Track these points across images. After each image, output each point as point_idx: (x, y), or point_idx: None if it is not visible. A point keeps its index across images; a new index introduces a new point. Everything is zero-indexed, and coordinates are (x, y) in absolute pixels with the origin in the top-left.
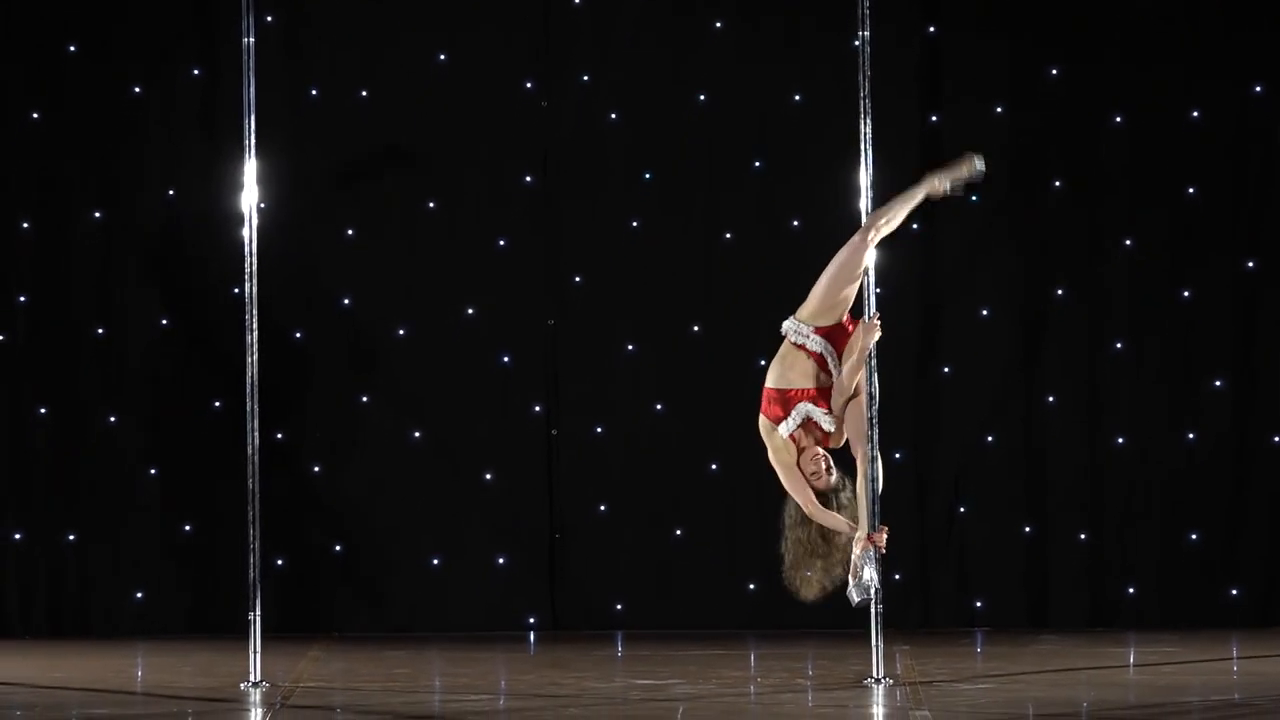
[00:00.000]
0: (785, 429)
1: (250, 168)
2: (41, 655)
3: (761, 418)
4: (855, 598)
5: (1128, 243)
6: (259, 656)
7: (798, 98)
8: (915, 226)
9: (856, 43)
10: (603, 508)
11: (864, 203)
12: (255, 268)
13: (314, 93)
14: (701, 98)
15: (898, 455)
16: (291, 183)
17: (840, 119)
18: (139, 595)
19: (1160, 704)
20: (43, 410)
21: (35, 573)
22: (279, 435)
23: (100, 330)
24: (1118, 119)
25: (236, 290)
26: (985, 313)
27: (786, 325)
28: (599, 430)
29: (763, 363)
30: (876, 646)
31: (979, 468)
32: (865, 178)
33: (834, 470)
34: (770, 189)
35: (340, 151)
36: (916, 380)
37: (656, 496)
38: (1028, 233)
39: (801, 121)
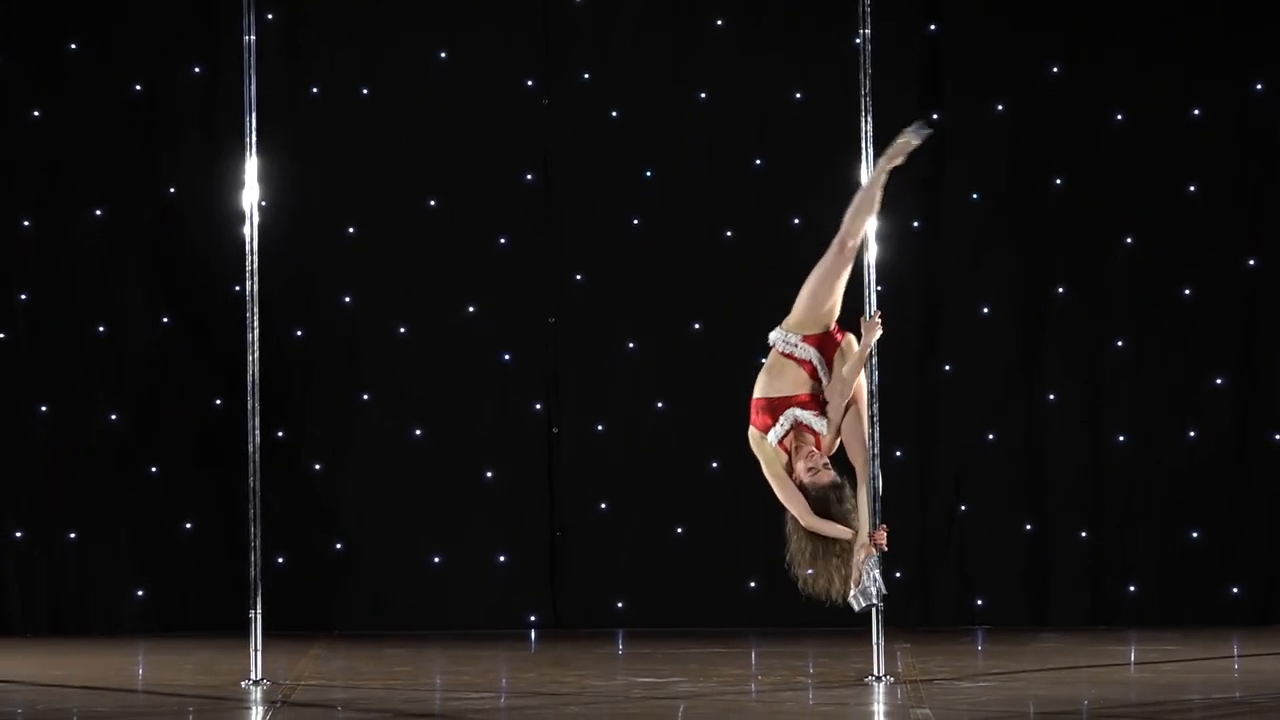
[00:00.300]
0: (774, 435)
1: (251, 166)
2: (42, 653)
3: (751, 429)
4: (860, 603)
5: (1128, 241)
6: (260, 654)
7: (798, 96)
8: (916, 225)
9: (857, 41)
10: (603, 506)
11: None
12: (256, 266)
13: (314, 91)
14: (702, 96)
15: (899, 453)
16: (292, 181)
17: (841, 117)
18: (140, 593)
19: (1161, 702)
20: (44, 408)
21: (36, 571)
22: (279, 434)
23: (101, 328)
24: (1119, 117)
25: (237, 288)
26: (986, 311)
27: (774, 336)
28: (599, 428)
29: (763, 361)
30: (877, 645)
31: (980, 466)
32: (866, 176)
33: (831, 468)
34: (771, 187)
35: (341, 150)
36: (917, 378)
37: (657, 494)
38: (1028, 231)
39: (802, 119)
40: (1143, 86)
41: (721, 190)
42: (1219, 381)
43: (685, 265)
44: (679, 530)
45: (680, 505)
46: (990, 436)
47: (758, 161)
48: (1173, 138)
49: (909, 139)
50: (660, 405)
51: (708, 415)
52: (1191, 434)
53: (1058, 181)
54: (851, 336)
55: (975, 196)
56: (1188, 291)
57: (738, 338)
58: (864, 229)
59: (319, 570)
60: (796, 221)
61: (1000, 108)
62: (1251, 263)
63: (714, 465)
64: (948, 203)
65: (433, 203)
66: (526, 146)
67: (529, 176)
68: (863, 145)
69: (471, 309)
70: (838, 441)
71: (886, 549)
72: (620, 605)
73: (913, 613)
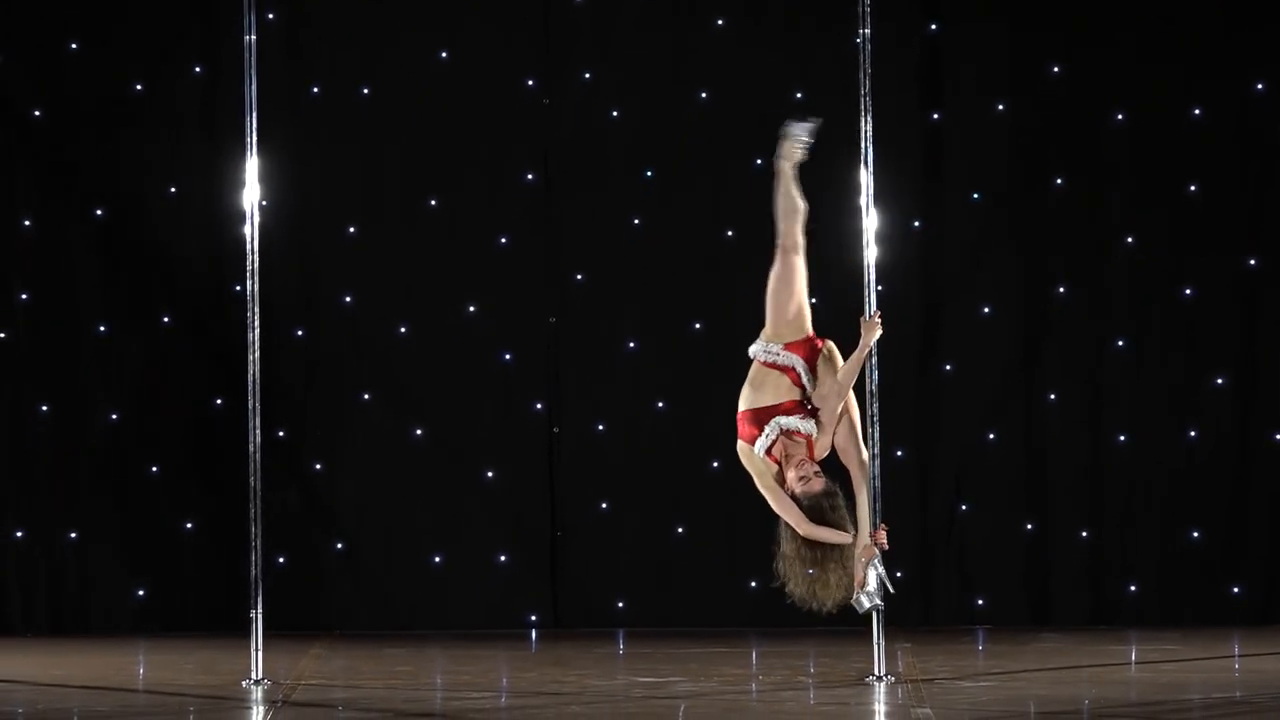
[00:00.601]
0: (760, 446)
1: (251, 165)
2: (43, 653)
3: (739, 443)
4: (864, 605)
5: (1129, 240)
6: (260, 654)
7: (799, 95)
8: (916, 224)
9: (857, 40)
10: (604, 505)
11: (864, 199)
12: (256, 265)
13: (315, 90)
14: (703, 95)
15: (899, 453)
16: (292, 180)
17: (841, 115)
18: (140, 593)
19: (1162, 701)
20: (44, 408)
21: (36, 570)
22: (280, 433)
23: (101, 328)
24: (1119, 117)
25: (237, 288)
26: (986, 310)
27: (754, 348)
28: (600, 428)
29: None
30: (878, 644)
31: (980, 465)
32: (866, 175)
33: (823, 476)
34: (771, 185)
35: (341, 149)
36: (918, 378)
37: (658, 494)
38: (1029, 230)
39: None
40: (1143, 86)
41: (722, 190)
42: (1219, 381)
43: (686, 265)
44: (679, 530)
45: (681, 505)
46: (991, 436)
47: (758, 161)
48: (1173, 137)
49: (792, 136)
50: (661, 405)
51: (708, 415)
52: (1192, 433)
53: (1058, 181)
54: (832, 344)
55: (976, 196)
56: (1188, 291)
57: (738, 337)
58: (798, 231)
59: (320, 570)
60: None
61: (1000, 107)
62: (1252, 262)
63: (714, 465)
64: (948, 202)
65: (433, 202)
66: (527, 146)
67: (529, 176)
68: (863, 145)
69: (472, 308)
70: (830, 444)
71: (887, 547)
72: (621, 605)
73: (913, 612)
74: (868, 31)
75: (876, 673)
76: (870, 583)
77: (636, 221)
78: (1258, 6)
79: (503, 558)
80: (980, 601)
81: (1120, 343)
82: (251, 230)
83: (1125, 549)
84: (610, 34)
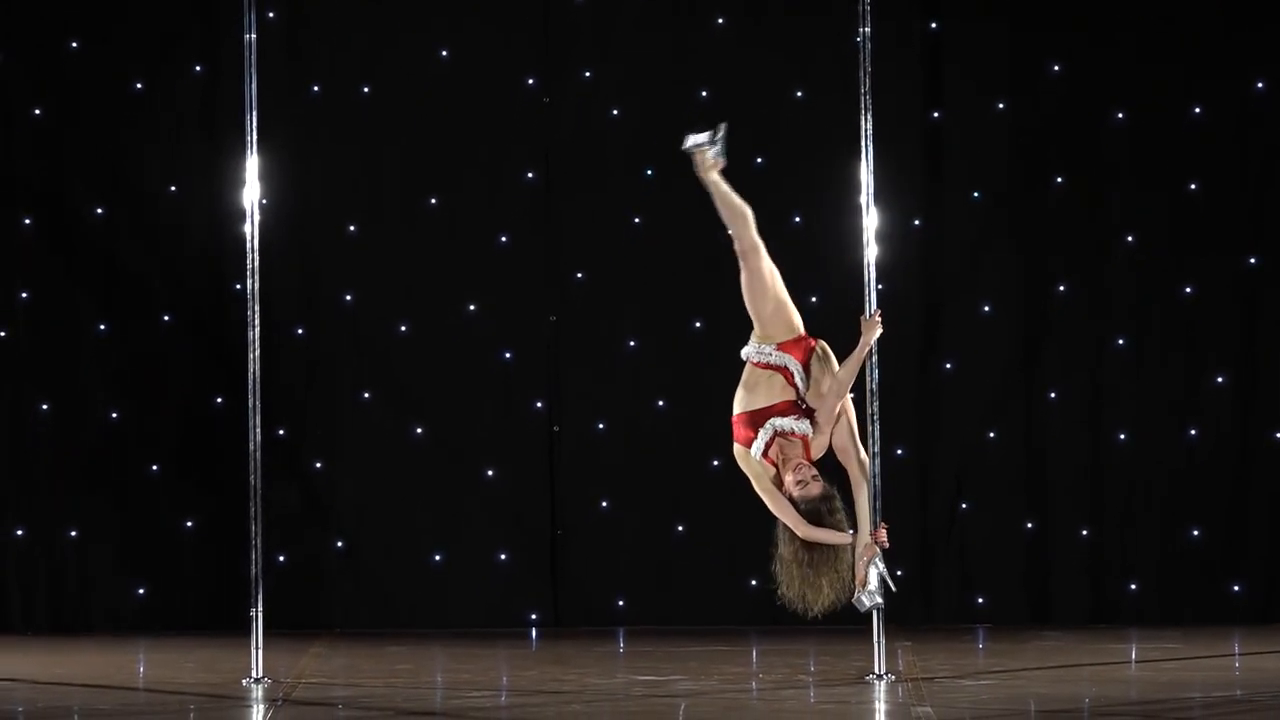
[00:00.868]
0: (756, 449)
1: (252, 164)
2: (43, 652)
3: (735, 446)
4: (866, 603)
5: (1129, 239)
6: (261, 652)
7: (799, 94)
8: (916, 223)
9: (857, 39)
10: (604, 504)
11: (865, 198)
12: (256, 264)
13: (315, 89)
14: (703, 94)
15: (899, 451)
16: (293, 179)
17: (841, 113)
18: (140, 591)
19: (1162, 700)
20: (44, 406)
21: (36, 569)
22: (280, 432)
23: (102, 326)
24: (1119, 115)
25: (238, 286)
26: (986, 309)
27: (746, 350)
28: (600, 426)
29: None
30: (878, 642)
31: (980, 464)
32: (866, 174)
33: (820, 479)
34: (771, 185)
35: (341, 148)
36: (918, 377)
37: (658, 492)
38: (1029, 229)
39: (803, 117)
40: (1143, 85)
41: None
42: (1219, 380)
43: (686, 263)
44: (680, 528)
45: (681, 503)
46: (991, 435)
47: (758, 160)
48: (1173, 135)
49: (696, 150)
50: (661, 404)
51: (708, 414)
52: (1192, 432)
53: (1058, 180)
54: (824, 343)
55: (976, 195)
56: (1189, 289)
57: (738, 336)
58: (749, 232)
59: (320, 569)
60: (797, 219)
61: (1001, 106)
62: (1252, 260)
63: (714, 464)
64: (948, 201)
65: (433, 201)
66: (527, 145)
67: (530, 175)
68: (863, 143)
69: (472, 307)
70: (827, 444)
71: (888, 545)
72: (621, 603)
73: (914, 611)
74: (868, 30)
75: (877, 671)
76: (871, 581)
77: (637, 220)
78: (1257, 5)
79: (503, 556)
80: (980, 600)
81: (1121, 341)
82: (252, 229)
83: (1125, 548)
84: (610, 33)
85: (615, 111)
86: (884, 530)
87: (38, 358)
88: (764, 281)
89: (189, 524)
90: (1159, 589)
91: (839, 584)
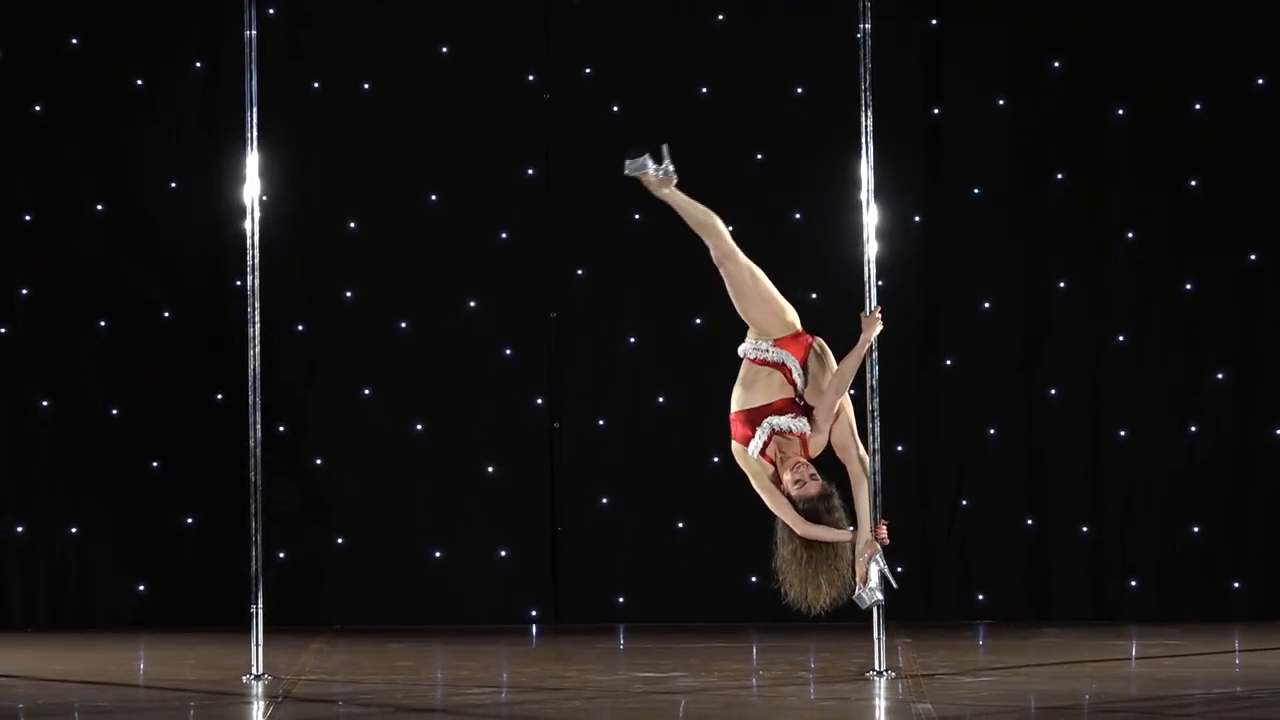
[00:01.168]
0: (754, 448)
1: (252, 161)
2: (43, 648)
3: (734, 444)
4: (866, 600)
5: (1129, 236)
6: (261, 649)
7: (799, 91)
8: (917, 219)
9: (857, 36)
10: (604, 501)
11: (865, 195)
12: (257, 261)
13: (315, 86)
14: (703, 91)
15: (900, 449)
16: (293, 176)
17: (842, 111)
18: (141, 588)
19: (1162, 697)
20: (44, 403)
21: (37, 566)
22: (280, 429)
23: (102, 323)
24: (1119, 113)
25: (238, 283)
26: (987, 306)
27: (743, 347)
28: (601, 423)
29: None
30: (879, 639)
31: (981, 461)
32: (867, 170)
33: (818, 478)
34: (771, 182)
35: (342, 145)
36: (918, 374)
37: (658, 489)
38: (1029, 226)
39: (803, 114)
40: (1143, 82)
41: (722, 186)
42: (1220, 377)
43: (686, 261)
44: (680, 525)
45: (681, 500)
46: (991, 432)
47: (759, 157)
48: (1174, 132)
49: (640, 173)
50: (661, 400)
51: (709, 411)
52: (1193, 429)
53: (1058, 177)
54: (822, 340)
55: (976, 192)
56: (1189, 286)
57: (738, 333)
58: (722, 240)
59: (320, 565)
60: (797, 216)
61: (1001, 103)
62: (1253, 258)
63: (715, 460)
64: (948, 198)
65: (434, 198)
66: (528, 142)
67: (530, 172)
68: (863, 140)
69: (473, 304)
70: (826, 441)
71: (889, 542)
72: (621, 600)
73: (914, 607)
74: (868, 27)
75: (877, 668)
76: (872, 578)
77: (637, 217)
78: (1257, 3)
79: (503, 553)
80: (981, 597)
81: (1121, 338)
82: (252, 226)
83: (1126, 545)
84: (611, 30)
85: (616, 109)
86: (884, 527)
87: (38, 355)
88: (747, 285)
89: (189, 521)
90: (1159, 586)
91: (838, 581)
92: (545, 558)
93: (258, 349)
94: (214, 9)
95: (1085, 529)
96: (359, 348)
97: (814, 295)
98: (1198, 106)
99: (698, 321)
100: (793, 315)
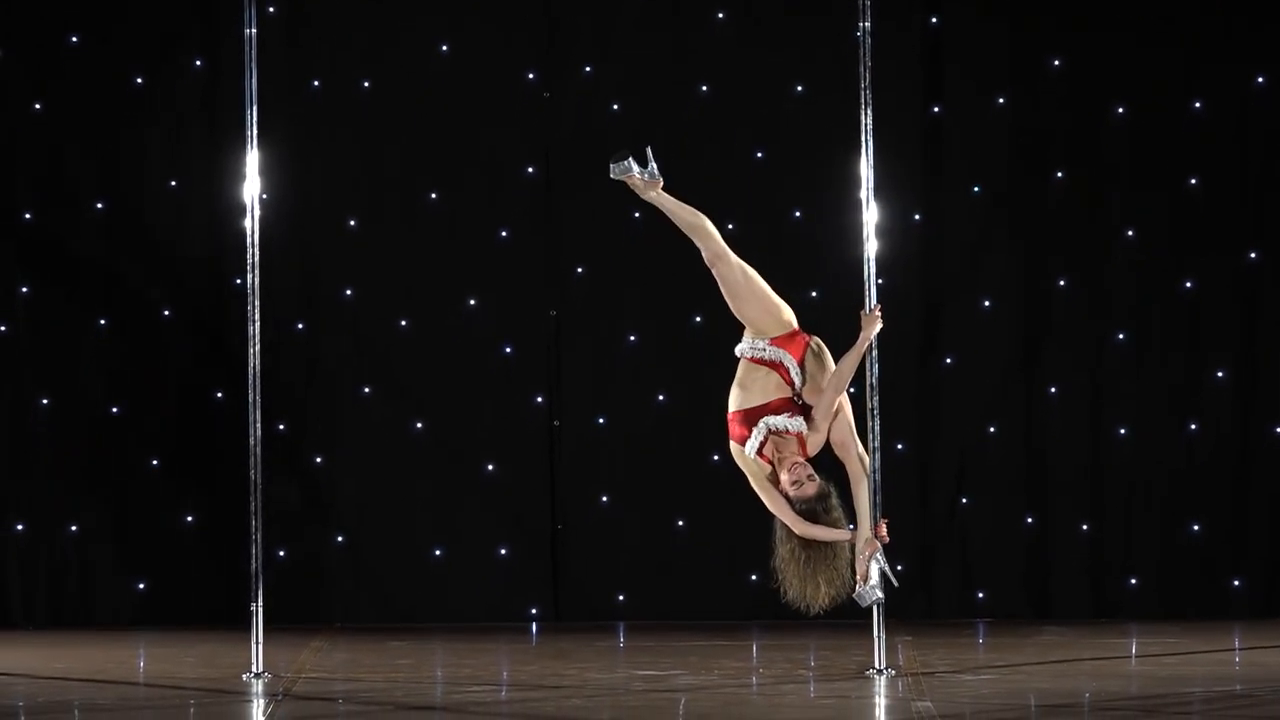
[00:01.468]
0: (749, 448)
1: (252, 159)
2: (43, 646)
3: (731, 444)
4: (867, 598)
5: (1129, 234)
6: (261, 647)
7: (799, 88)
8: (917, 217)
9: (857, 34)
10: (605, 499)
11: (865, 193)
12: (257, 259)
13: (315, 84)
14: (703, 89)
15: (899, 447)
16: (293, 174)
17: (842, 110)
18: (141, 586)
19: (1162, 695)
20: (45, 401)
21: (37, 564)
22: (281, 427)
23: (102, 321)
24: (1120, 110)
25: (238, 282)
26: (987, 304)
27: (741, 347)
28: (601, 421)
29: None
30: (879, 637)
31: (981, 459)
32: (867, 168)
33: (816, 478)
34: (772, 180)
35: (342, 143)
36: (918, 372)
37: (658, 488)
38: (1029, 224)
39: (803, 112)
40: (1144, 80)
41: (722, 183)
42: (1220, 375)
43: (686, 260)
44: (680, 523)
45: (681, 498)
46: (991, 430)
47: (759, 154)
48: (1174, 130)
49: (626, 177)
50: (661, 399)
51: (709, 409)
52: (1193, 426)
53: (1058, 174)
54: (819, 339)
55: (976, 189)
56: (1189, 284)
57: (738, 332)
58: (713, 241)
59: (320, 564)
60: (798, 214)
61: (1001, 101)
62: (1253, 255)
63: (714, 459)
64: (949, 196)
65: (434, 196)
66: (528, 140)
67: (530, 170)
68: (863, 138)
69: (473, 303)
70: (824, 440)
71: (889, 540)
72: (621, 598)
73: (914, 605)
74: (868, 25)
75: (877, 666)
76: (872, 576)
77: (637, 216)
78: (1257, 1)
79: (503, 551)
80: (981, 595)
81: (1121, 336)
82: (252, 224)
83: (1126, 542)
84: (611, 29)
85: (616, 107)
86: (885, 525)
87: (38, 353)
88: (739, 284)
89: (189, 519)
90: (1159, 584)
91: (837, 581)
92: (545, 556)
93: (258, 347)
94: (214, 7)
95: (1085, 527)
96: (359, 346)
97: (814, 294)
98: (1198, 105)
99: (698, 320)
100: (789, 314)
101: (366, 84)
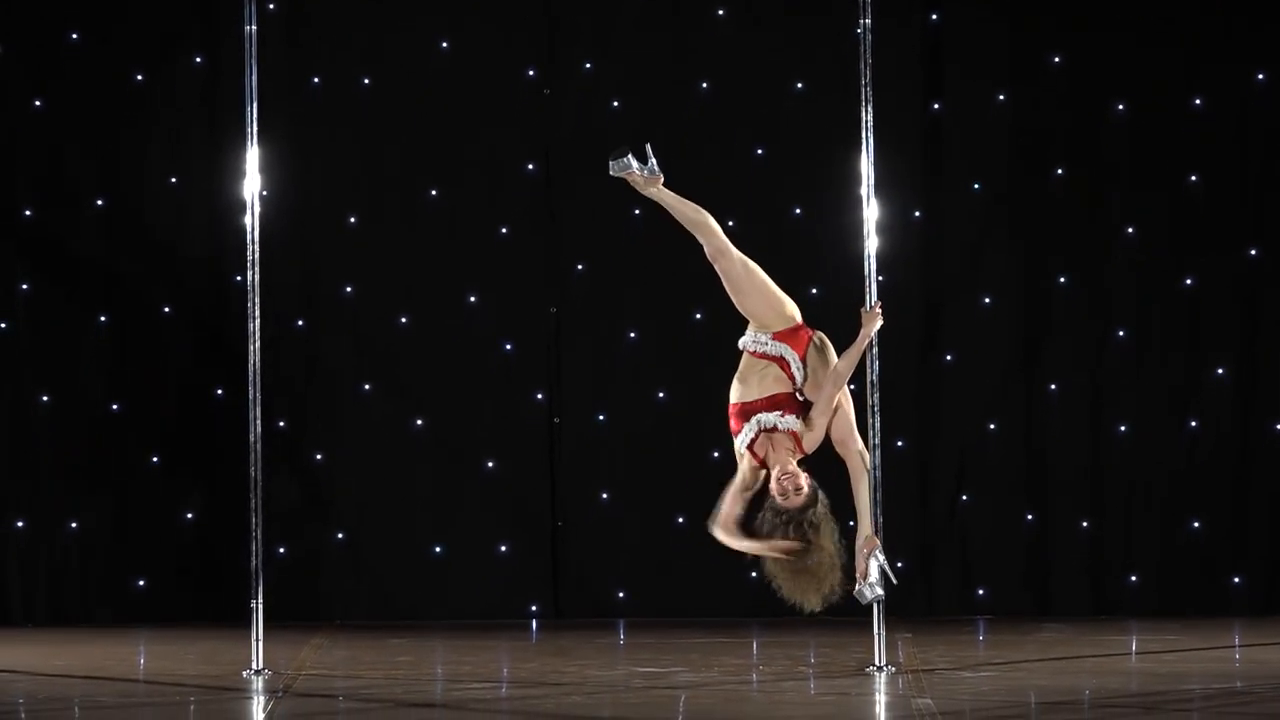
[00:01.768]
0: (740, 442)
1: (252, 156)
2: (43, 643)
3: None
4: (867, 596)
5: (1129, 232)
6: (261, 644)
7: (800, 86)
8: (917, 215)
9: (858, 31)
10: (605, 496)
11: (865, 190)
12: (257, 256)
13: (316, 81)
14: (704, 86)
15: (900, 444)
16: (293, 171)
17: (842, 106)
18: (141, 583)
19: (1162, 692)
20: (45, 398)
21: (37, 561)
22: (281, 424)
23: (102, 318)
24: (1120, 108)
25: (238, 279)
26: (987, 302)
27: (743, 340)
28: (601, 418)
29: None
30: (879, 634)
31: (981, 456)
32: (867, 165)
33: (804, 491)
34: (772, 177)
35: (342, 140)
36: (918, 369)
37: (658, 484)
38: (1030, 221)
39: (803, 110)
40: (1144, 78)
41: (723, 180)
42: (1220, 373)
43: (686, 257)
44: (680, 520)
45: (681, 496)
46: (992, 427)
47: (759, 152)
48: (1174, 127)
49: (626, 174)
50: (662, 395)
51: (709, 406)
52: (1193, 423)
53: (1059, 171)
54: (823, 334)
55: (976, 187)
56: (1189, 281)
57: (739, 327)
58: (714, 236)
59: (320, 561)
60: (798, 211)
61: (1001, 99)
62: (1253, 252)
63: (715, 455)
64: (949, 193)
65: (434, 193)
66: (528, 137)
67: (530, 167)
68: (863, 135)
69: (473, 300)
70: (823, 437)
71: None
72: (621, 595)
73: (915, 603)
74: (868, 22)
75: (877, 663)
76: (872, 573)
77: (637, 212)
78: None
79: (503, 548)
80: (981, 592)
81: (1121, 333)
82: (252, 221)
83: (1126, 539)
84: (611, 27)
85: (616, 105)
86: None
87: (38, 350)
88: (741, 279)
89: (189, 516)
90: (1159, 582)
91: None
92: (546, 553)
93: (258, 345)
94: (214, 5)
95: (1085, 525)
96: (359, 344)
97: (814, 291)
98: (1198, 103)
99: (698, 317)
100: (792, 309)
101: (367, 81)
